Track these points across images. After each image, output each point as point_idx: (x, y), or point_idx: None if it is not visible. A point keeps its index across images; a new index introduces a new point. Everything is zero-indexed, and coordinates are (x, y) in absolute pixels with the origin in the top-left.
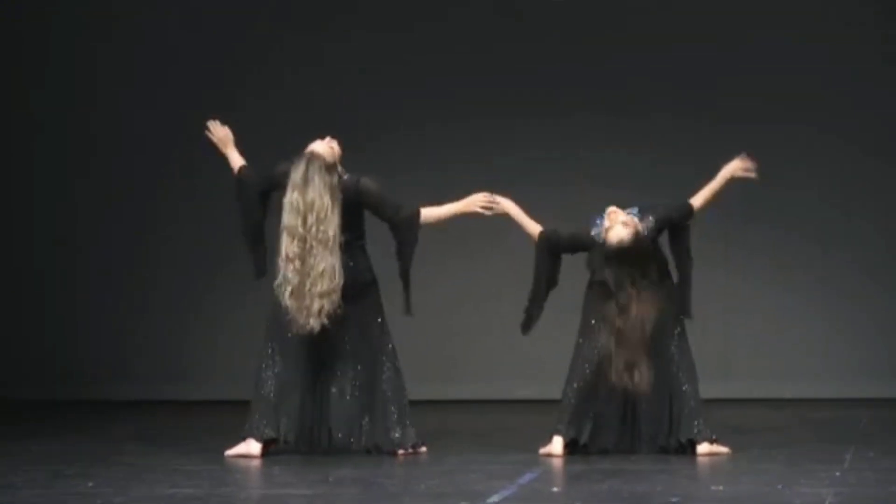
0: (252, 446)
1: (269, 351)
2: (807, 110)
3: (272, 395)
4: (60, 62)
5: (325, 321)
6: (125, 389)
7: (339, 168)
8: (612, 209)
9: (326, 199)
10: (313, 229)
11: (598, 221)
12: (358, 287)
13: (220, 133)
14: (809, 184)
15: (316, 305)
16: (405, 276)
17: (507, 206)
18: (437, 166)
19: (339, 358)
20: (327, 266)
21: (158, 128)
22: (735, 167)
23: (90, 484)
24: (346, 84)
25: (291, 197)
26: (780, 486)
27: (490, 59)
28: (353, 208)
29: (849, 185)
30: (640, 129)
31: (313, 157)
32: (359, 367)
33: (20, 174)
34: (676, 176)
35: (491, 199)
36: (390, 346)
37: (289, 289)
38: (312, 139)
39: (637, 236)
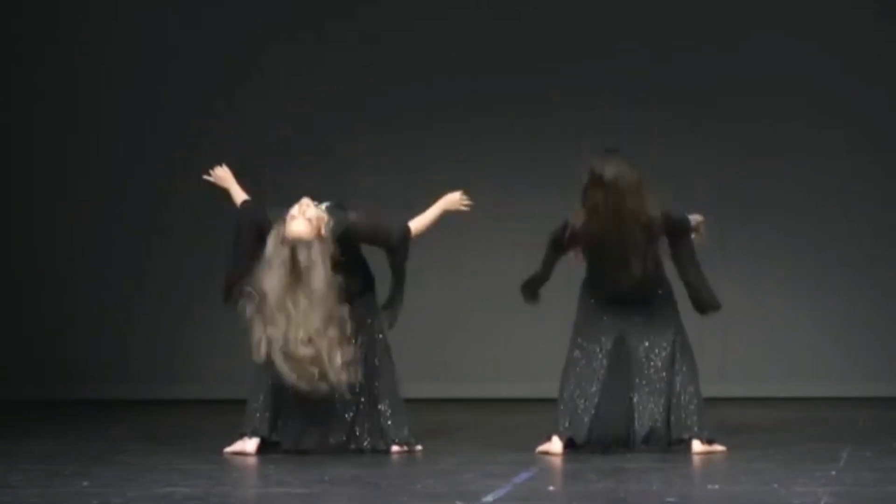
0: (248, 444)
1: None
2: (806, 110)
3: (268, 392)
4: (60, 62)
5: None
6: (125, 389)
7: (324, 223)
8: None
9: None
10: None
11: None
12: (354, 288)
13: (221, 173)
14: (808, 183)
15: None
16: (400, 288)
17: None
18: (438, 166)
19: None
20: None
21: (158, 128)
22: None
23: (85, 483)
24: (347, 84)
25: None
26: (775, 486)
27: (490, 59)
28: (348, 248)
29: (847, 186)
30: (640, 129)
31: (296, 243)
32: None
33: (20, 174)
34: (677, 176)
35: (465, 198)
36: (384, 344)
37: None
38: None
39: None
